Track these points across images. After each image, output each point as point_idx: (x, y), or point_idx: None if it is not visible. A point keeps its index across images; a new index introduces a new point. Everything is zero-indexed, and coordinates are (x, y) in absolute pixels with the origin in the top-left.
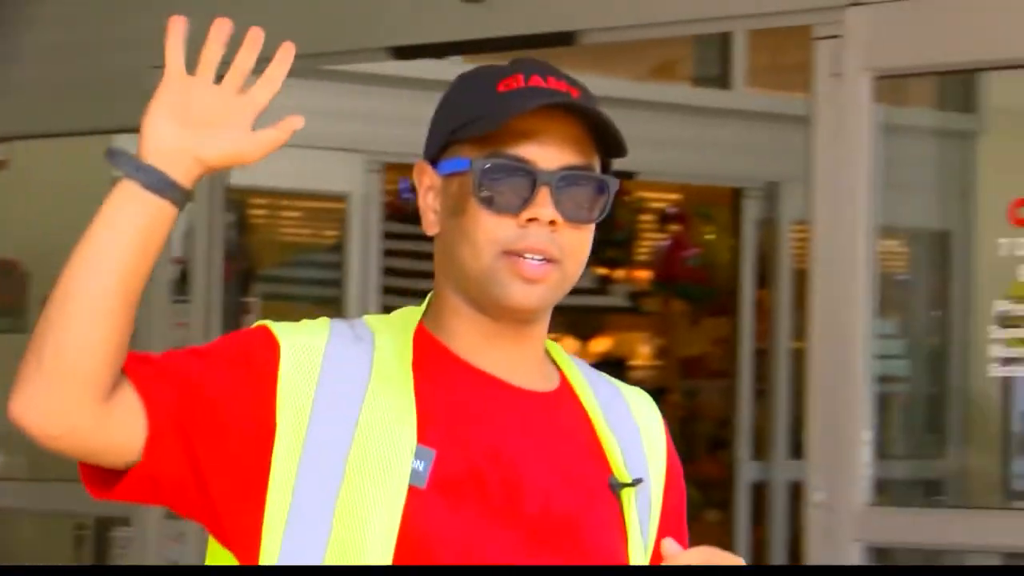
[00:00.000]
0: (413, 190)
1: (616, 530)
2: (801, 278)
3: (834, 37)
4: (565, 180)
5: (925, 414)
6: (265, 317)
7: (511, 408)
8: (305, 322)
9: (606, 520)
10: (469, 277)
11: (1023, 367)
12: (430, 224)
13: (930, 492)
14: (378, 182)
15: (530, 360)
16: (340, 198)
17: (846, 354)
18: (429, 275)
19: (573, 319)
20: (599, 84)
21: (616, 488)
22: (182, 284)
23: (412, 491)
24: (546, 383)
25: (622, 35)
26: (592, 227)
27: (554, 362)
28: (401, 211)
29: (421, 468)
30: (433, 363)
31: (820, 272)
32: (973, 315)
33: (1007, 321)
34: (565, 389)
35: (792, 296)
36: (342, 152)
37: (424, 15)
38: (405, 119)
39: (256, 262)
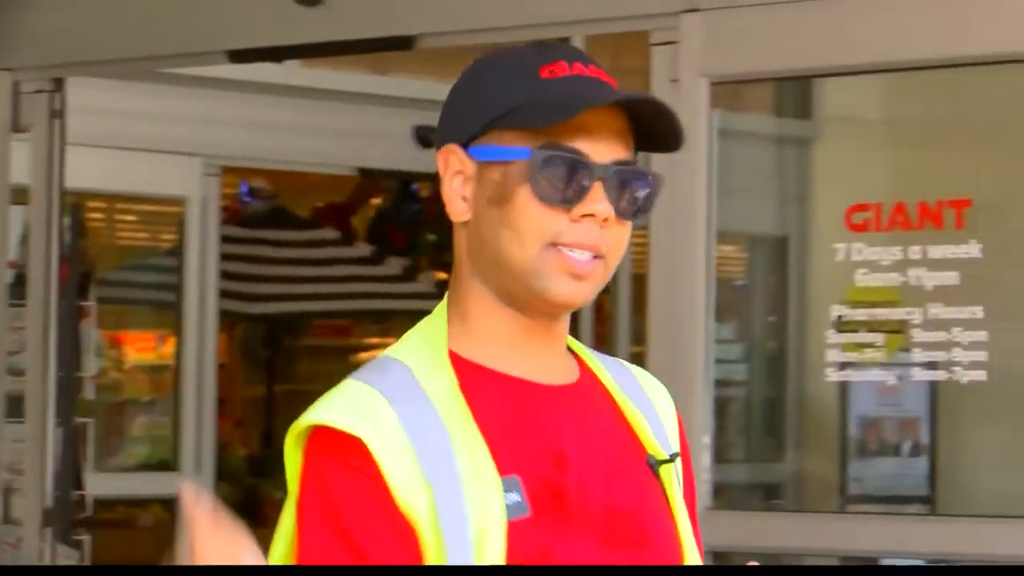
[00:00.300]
0: (253, 194)
1: (665, 511)
2: (640, 282)
3: (670, 43)
4: (619, 175)
5: (763, 418)
6: (102, 320)
7: (555, 409)
8: (360, 402)
9: (656, 503)
10: (511, 269)
11: (859, 371)
12: (459, 212)
13: (768, 496)
14: (215, 186)
15: (558, 354)
16: (178, 202)
17: (685, 358)
18: (266, 279)
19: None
20: (438, 89)
21: (655, 466)
22: (18, 288)
23: (513, 524)
24: (571, 374)
25: (460, 39)
26: (631, 223)
27: (571, 351)
28: (239, 215)
29: (518, 497)
30: (476, 385)
31: (658, 276)
32: (810, 320)
33: (843, 326)
34: (588, 377)
35: (631, 300)
36: (179, 155)
37: (261, 18)
38: (242, 122)
39: (93, 266)
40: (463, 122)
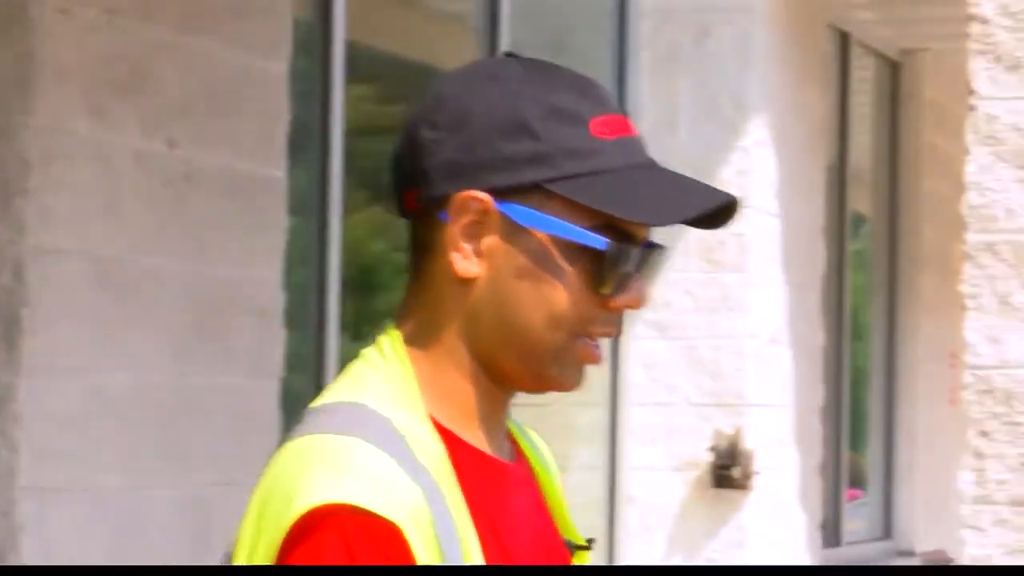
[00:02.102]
0: None
1: None
2: None
3: None
4: (657, 257)
5: None
6: None
7: (516, 490)
8: (383, 477)
9: None
10: (527, 350)
11: None
12: (467, 268)
13: None
14: None
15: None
16: None
17: None
18: None
19: None
20: None
21: (573, 549)
22: None
23: None
24: (508, 448)
25: None
26: None
27: None
28: None
29: None
30: (456, 460)
31: None
32: None
33: None
34: (518, 451)
35: None
36: None
37: None
38: None
39: None
40: (498, 165)
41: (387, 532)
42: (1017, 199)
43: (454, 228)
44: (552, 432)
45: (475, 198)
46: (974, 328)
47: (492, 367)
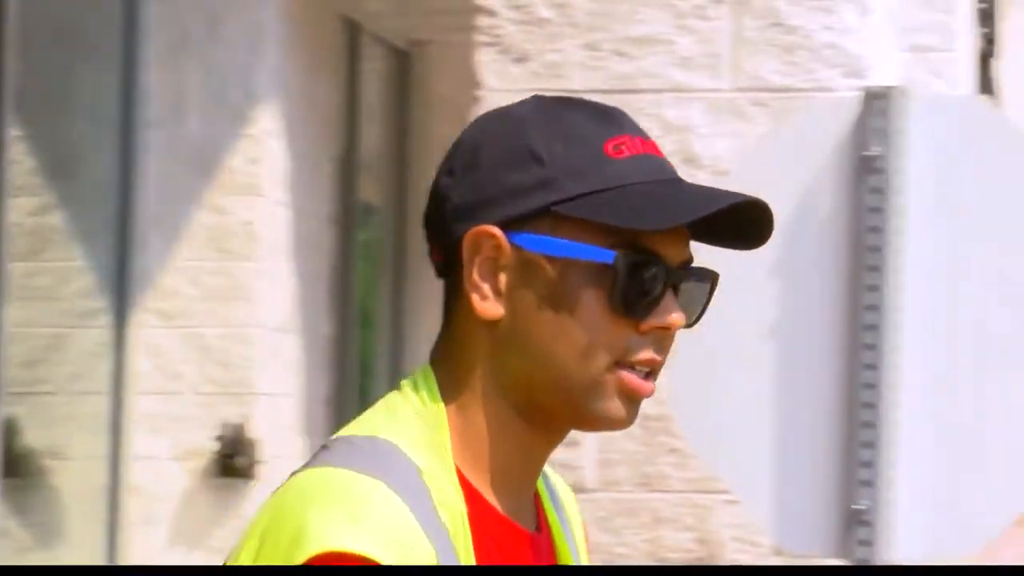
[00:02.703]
0: None
1: None
2: None
3: None
4: (692, 278)
5: None
6: None
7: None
8: (399, 533)
9: None
10: (563, 385)
11: None
12: (490, 308)
13: None
14: None
15: (536, 481)
16: None
17: None
18: None
19: None
20: None
21: None
22: None
23: None
24: (534, 513)
25: None
26: None
27: None
28: None
29: None
30: (475, 523)
31: None
32: None
33: None
34: (543, 519)
35: None
36: None
37: None
38: None
39: None
40: (505, 197)
41: None
42: None
43: (470, 268)
44: (53, 421)
45: (485, 232)
46: None
47: (532, 410)
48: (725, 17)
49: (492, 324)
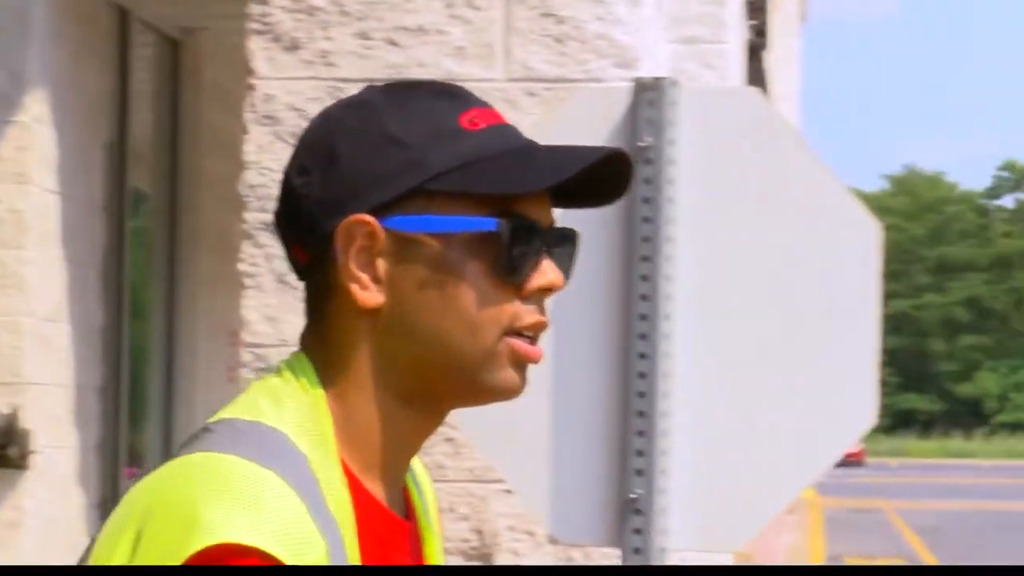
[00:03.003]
0: None
1: None
2: None
3: None
4: (561, 239)
5: None
6: None
7: (404, 555)
8: (293, 527)
9: None
10: (454, 363)
11: None
12: (365, 296)
13: None
14: None
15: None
16: None
17: None
18: None
19: None
20: None
21: None
22: None
23: None
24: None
25: None
26: None
27: None
28: None
29: None
30: (360, 515)
31: None
32: None
33: None
34: (410, 505)
35: None
36: None
37: None
38: None
39: None
40: (371, 185)
41: None
42: None
43: (345, 259)
44: None
45: (358, 221)
46: (252, 306)
47: (419, 394)
48: (497, 7)
49: (373, 313)
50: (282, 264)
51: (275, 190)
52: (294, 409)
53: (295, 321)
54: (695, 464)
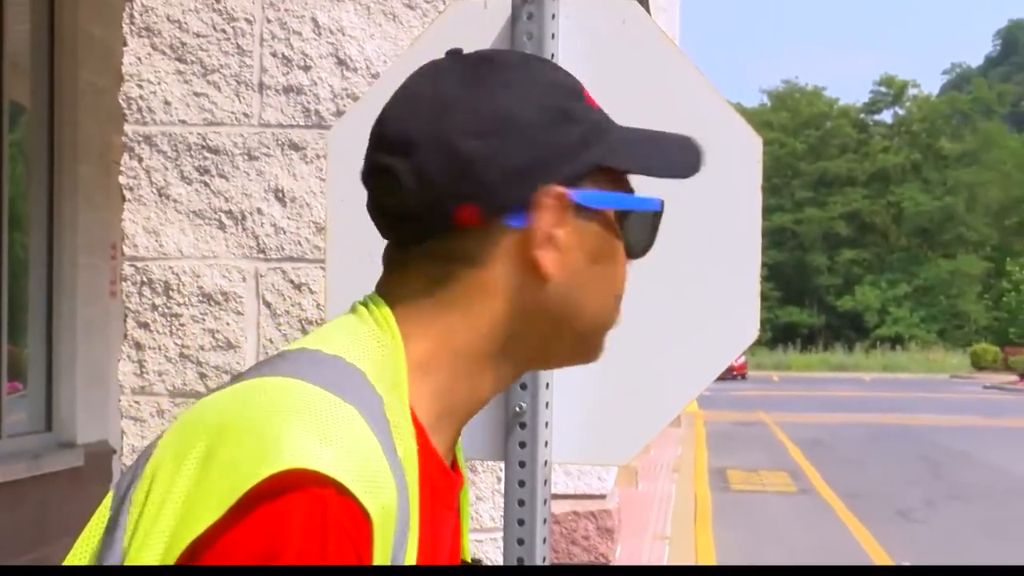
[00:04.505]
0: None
1: None
2: None
3: None
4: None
5: None
6: None
7: (452, 510)
8: (371, 466)
9: None
10: (590, 329)
11: None
12: (554, 264)
13: None
14: None
15: None
16: None
17: None
18: None
19: None
20: None
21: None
22: None
23: None
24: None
25: None
26: None
27: None
28: None
29: None
30: (423, 466)
31: None
32: None
33: None
34: (453, 458)
35: None
36: None
37: None
38: None
39: None
40: (556, 157)
41: (361, 524)
42: (173, 91)
43: (535, 229)
44: None
45: (554, 193)
46: (132, 220)
47: (533, 360)
48: None
49: (535, 282)
50: (162, 176)
51: (154, 103)
52: (374, 350)
53: (174, 234)
54: (580, 378)
